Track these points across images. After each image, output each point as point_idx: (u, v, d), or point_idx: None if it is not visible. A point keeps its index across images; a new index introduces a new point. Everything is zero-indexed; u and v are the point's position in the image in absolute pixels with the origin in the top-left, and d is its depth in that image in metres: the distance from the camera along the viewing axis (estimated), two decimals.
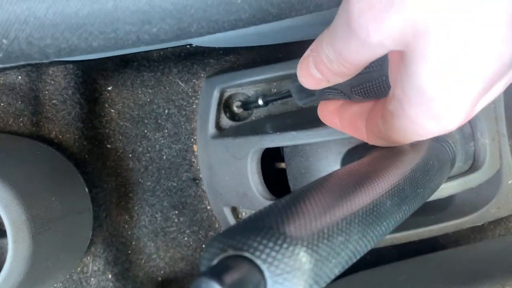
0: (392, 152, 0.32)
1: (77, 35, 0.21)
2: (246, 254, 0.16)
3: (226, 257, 0.16)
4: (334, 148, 0.42)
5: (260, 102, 0.50)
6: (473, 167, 0.44)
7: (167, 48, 0.63)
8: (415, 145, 0.35)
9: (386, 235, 0.24)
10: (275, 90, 0.55)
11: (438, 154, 0.34)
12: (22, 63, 0.23)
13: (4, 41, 0.19)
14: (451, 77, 0.18)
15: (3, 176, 0.40)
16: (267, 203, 0.47)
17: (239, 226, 0.19)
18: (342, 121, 0.30)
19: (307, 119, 0.46)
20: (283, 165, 0.51)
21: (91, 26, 0.21)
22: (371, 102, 0.28)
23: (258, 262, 0.16)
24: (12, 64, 0.49)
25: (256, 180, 0.48)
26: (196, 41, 0.42)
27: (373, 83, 0.27)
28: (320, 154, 0.42)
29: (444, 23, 0.17)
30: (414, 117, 0.21)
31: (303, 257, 0.17)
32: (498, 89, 0.21)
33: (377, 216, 0.22)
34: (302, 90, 0.34)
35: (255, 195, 0.48)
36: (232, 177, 0.50)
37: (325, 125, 0.41)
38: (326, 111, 0.31)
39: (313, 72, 0.24)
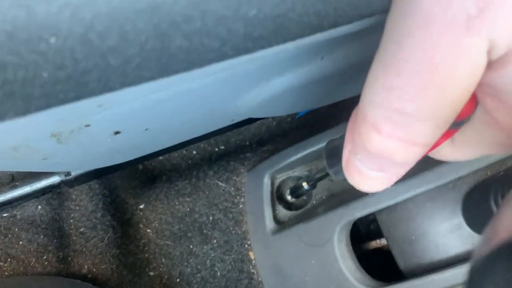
0: None
1: None
2: None
3: None
4: (448, 195, 0.33)
5: (306, 186, 0.42)
6: None
7: (195, 155, 0.56)
8: None
9: None
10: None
11: None
12: None
13: None
14: None
15: None
16: None
17: None
18: None
19: None
20: (379, 242, 0.41)
21: None
22: None
23: None
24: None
25: (350, 265, 0.37)
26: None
27: None
28: (430, 208, 0.33)
29: None
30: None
31: None
32: None
33: None
34: (332, 154, 0.21)
35: (353, 285, 0.37)
36: (314, 272, 0.40)
37: (426, 169, 0.33)
38: None
39: (363, 169, 0.16)
